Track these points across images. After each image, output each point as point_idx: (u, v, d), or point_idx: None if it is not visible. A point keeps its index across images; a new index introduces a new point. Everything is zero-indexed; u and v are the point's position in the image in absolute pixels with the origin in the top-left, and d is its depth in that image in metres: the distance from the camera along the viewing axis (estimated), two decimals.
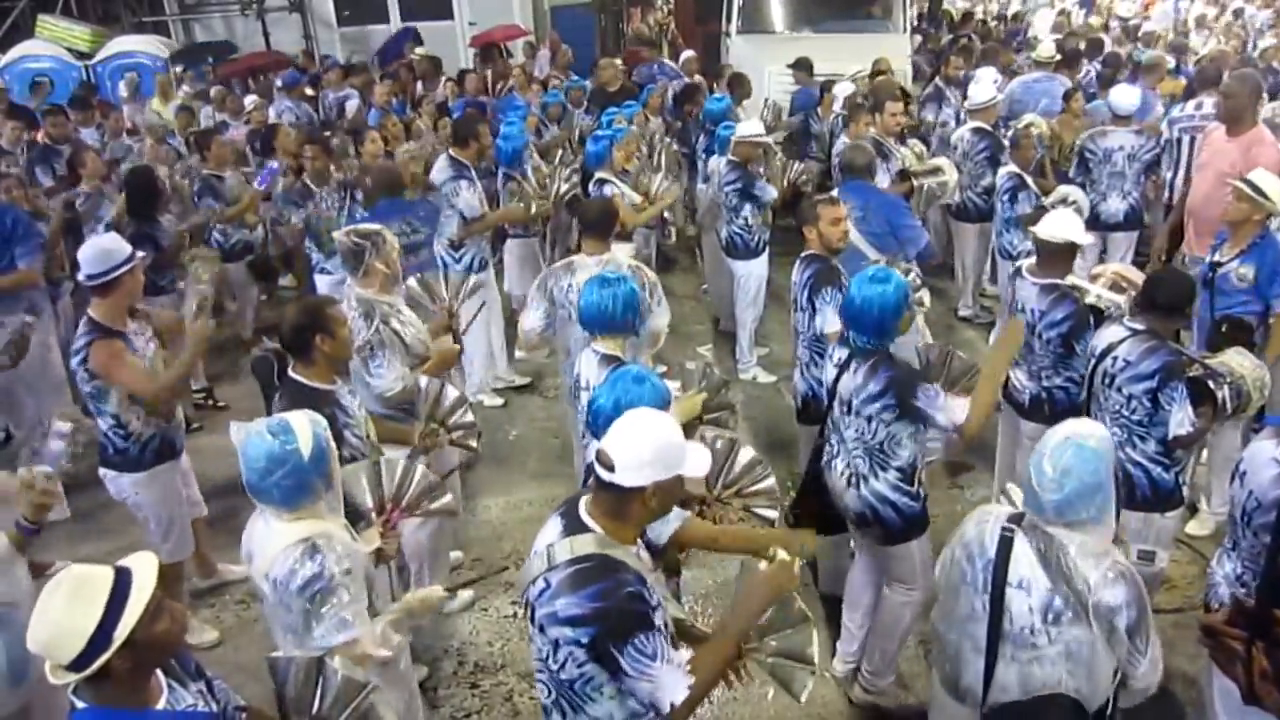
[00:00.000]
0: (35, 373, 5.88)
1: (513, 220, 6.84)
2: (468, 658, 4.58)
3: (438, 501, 3.46)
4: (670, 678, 2.33)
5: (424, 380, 4.15)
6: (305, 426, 2.82)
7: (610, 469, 2.34)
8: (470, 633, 4.74)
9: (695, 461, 2.46)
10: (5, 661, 3.18)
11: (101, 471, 4.40)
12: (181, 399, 4.65)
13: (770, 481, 3.40)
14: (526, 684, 4.36)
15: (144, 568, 2.23)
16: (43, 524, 3.36)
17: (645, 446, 2.34)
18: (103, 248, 4.26)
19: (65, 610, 2.11)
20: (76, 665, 2.11)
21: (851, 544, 4.27)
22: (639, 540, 2.54)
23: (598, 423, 2.91)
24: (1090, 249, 6.48)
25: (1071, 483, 2.56)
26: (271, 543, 2.83)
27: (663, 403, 2.94)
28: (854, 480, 3.79)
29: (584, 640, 2.32)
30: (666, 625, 2.45)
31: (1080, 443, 2.59)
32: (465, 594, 4.93)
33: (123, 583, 2.17)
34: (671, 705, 2.34)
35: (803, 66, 9.92)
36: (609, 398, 2.96)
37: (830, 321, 4.40)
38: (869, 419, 3.64)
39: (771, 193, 6.81)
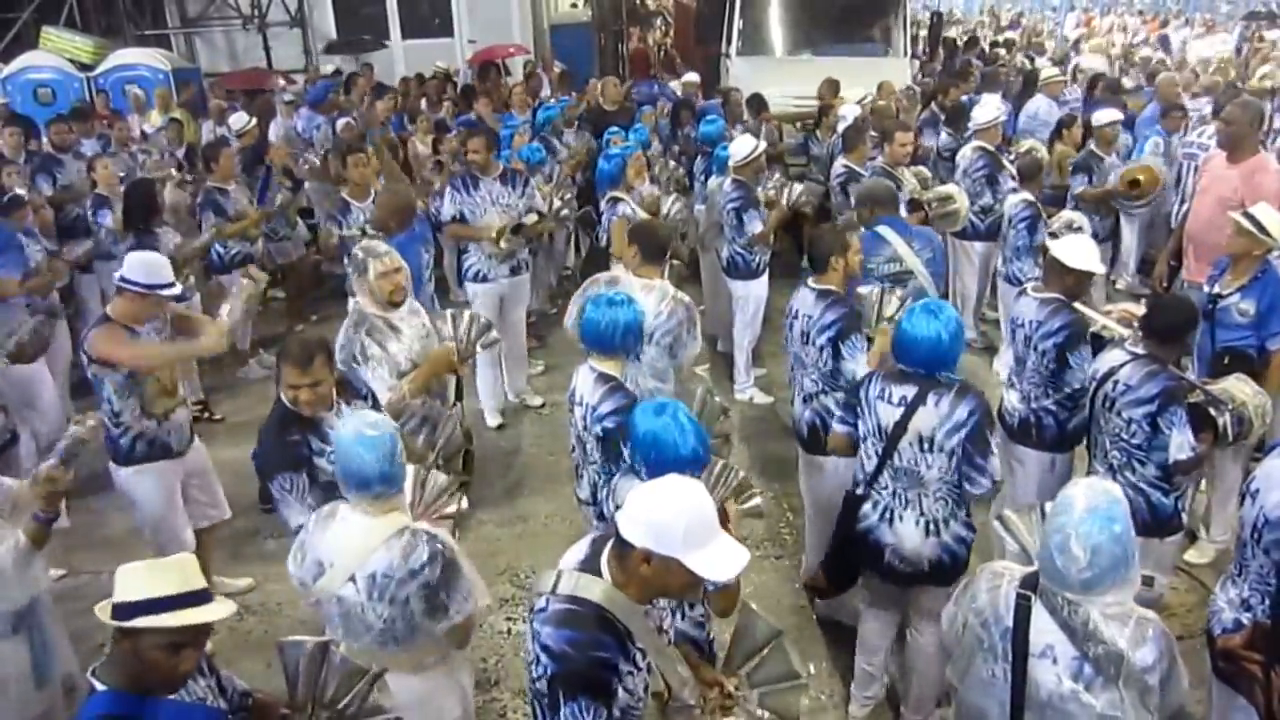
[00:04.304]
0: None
1: (473, 238, 6.53)
2: None
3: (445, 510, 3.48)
4: None
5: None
6: (385, 421, 3.11)
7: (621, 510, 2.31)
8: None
9: (710, 563, 2.22)
10: (30, 660, 3.27)
11: (110, 463, 4.49)
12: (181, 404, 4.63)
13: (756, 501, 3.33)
14: (521, 700, 4.32)
15: (218, 609, 2.41)
16: (57, 512, 3.43)
17: (646, 506, 2.24)
18: (153, 263, 4.39)
19: (151, 571, 2.36)
20: (118, 612, 2.30)
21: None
22: (653, 602, 2.45)
23: None
24: None
25: (1103, 560, 2.46)
26: (362, 542, 2.91)
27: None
28: (932, 527, 3.64)
29: (546, 671, 2.33)
30: (635, 695, 2.40)
31: (1105, 516, 2.47)
32: None
33: (194, 598, 2.34)
34: None
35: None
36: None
37: (862, 368, 4.24)
38: (951, 454, 3.52)
39: (758, 226, 6.70)
